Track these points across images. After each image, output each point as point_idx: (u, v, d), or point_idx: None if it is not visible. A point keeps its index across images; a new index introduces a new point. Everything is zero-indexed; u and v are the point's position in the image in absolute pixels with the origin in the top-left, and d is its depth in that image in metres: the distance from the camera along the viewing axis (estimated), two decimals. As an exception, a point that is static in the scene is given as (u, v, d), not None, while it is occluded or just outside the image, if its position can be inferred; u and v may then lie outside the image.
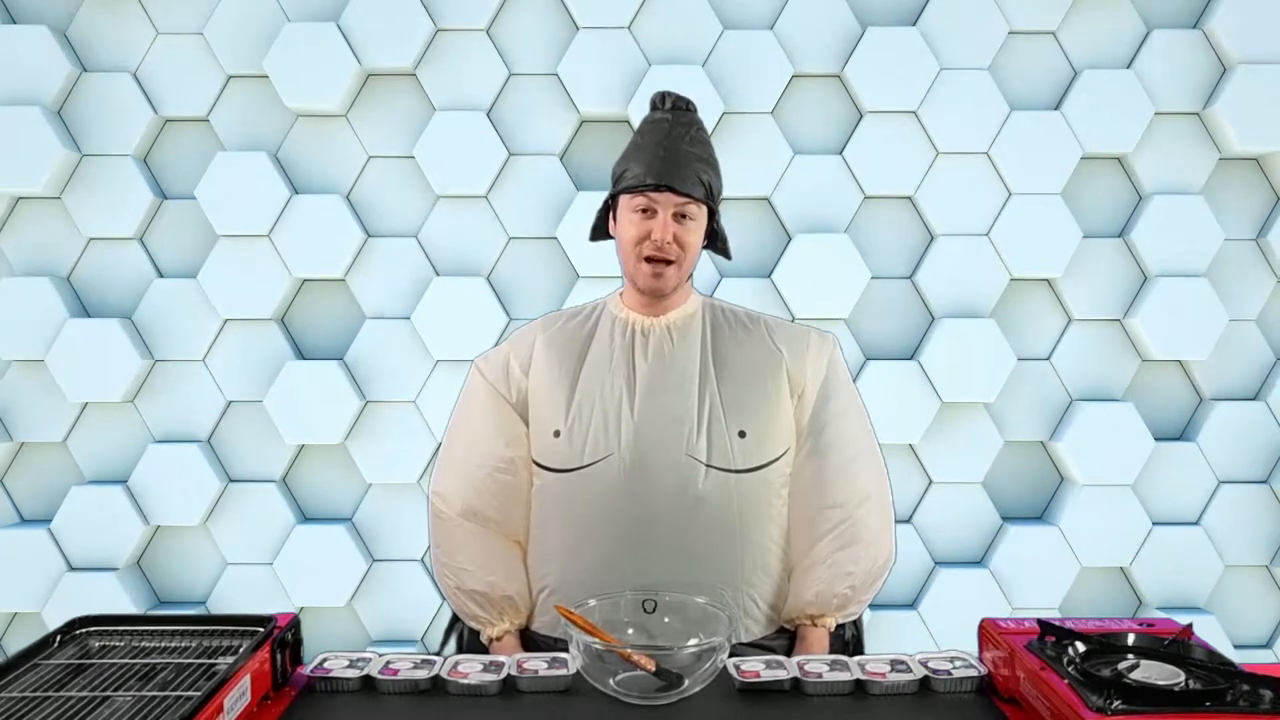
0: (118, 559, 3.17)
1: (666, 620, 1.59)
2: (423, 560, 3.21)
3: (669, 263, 1.79)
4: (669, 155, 1.77)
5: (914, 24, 3.15)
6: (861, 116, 3.18)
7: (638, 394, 1.78)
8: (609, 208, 1.88)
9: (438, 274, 3.19)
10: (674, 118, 1.83)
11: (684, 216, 1.78)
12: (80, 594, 3.14)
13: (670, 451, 1.75)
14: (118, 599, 3.11)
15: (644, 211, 1.78)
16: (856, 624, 1.93)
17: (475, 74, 3.17)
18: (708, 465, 1.75)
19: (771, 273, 3.16)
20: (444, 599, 1.95)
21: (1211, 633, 3.06)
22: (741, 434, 1.77)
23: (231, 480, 3.23)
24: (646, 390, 1.79)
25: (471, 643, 1.90)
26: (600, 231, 1.92)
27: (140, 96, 3.18)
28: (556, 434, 1.79)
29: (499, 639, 1.83)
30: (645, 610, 1.61)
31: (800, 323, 2.08)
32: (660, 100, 1.86)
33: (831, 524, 1.81)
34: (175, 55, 3.19)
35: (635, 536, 1.73)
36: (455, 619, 1.95)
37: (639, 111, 3.10)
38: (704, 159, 1.81)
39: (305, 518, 3.25)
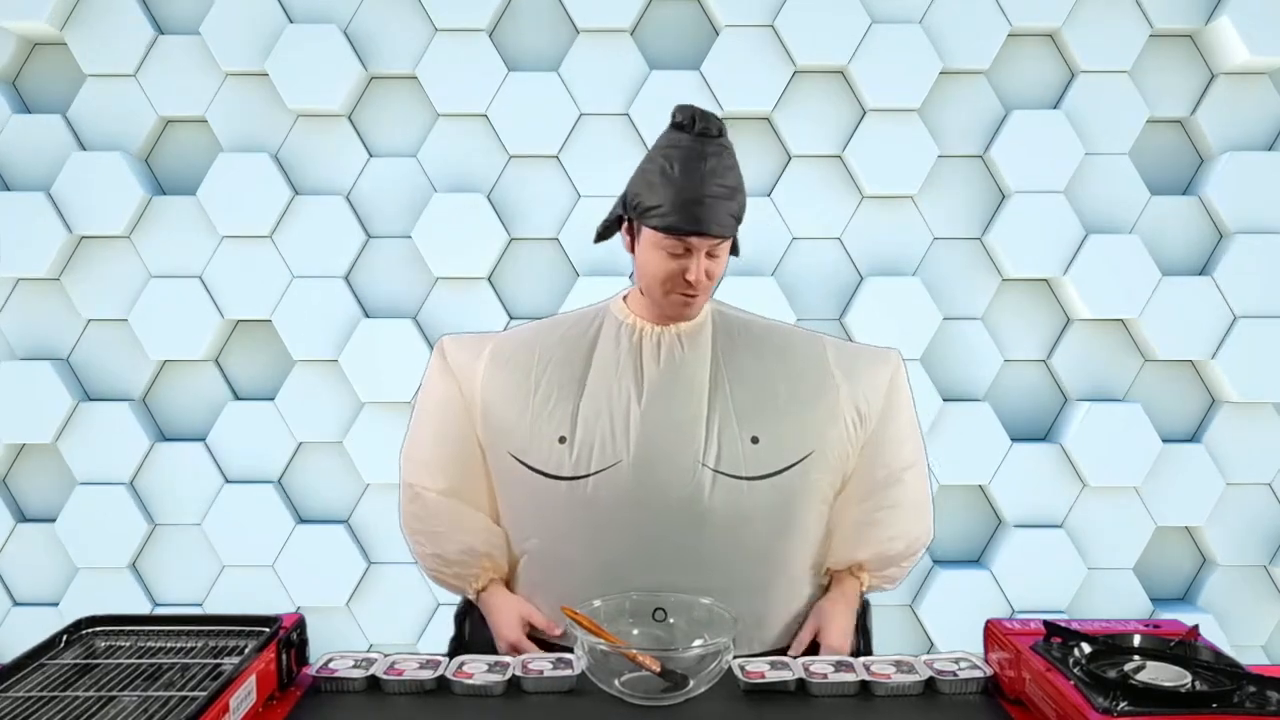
0: (119, 560, 3.17)
1: (672, 621, 1.59)
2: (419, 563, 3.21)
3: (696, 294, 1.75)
4: (703, 197, 1.66)
5: (920, 21, 3.15)
6: (864, 114, 3.18)
7: (645, 400, 1.74)
8: (621, 218, 1.79)
9: (437, 273, 3.19)
10: (704, 149, 1.68)
11: (714, 251, 1.72)
12: (80, 594, 3.15)
13: (679, 458, 1.71)
14: (117, 600, 3.11)
15: (674, 251, 1.70)
16: (866, 633, 1.90)
17: (476, 76, 3.17)
18: (716, 472, 1.71)
19: (774, 272, 3.16)
20: (423, 570, 1.94)
21: (1215, 634, 3.07)
22: (754, 440, 1.73)
23: (228, 481, 3.23)
24: (655, 396, 1.75)
25: (474, 642, 1.88)
26: (607, 232, 1.86)
27: (140, 96, 3.18)
28: (562, 440, 1.74)
29: (484, 589, 1.83)
30: (654, 619, 1.60)
31: (860, 343, 2.03)
32: (689, 122, 1.70)
33: (878, 485, 1.83)
34: (174, 55, 3.19)
35: (643, 545, 1.70)
36: (458, 638, 1.93)
37: (639, 111, 3.12)
38: (734, 187, 1.70)
39: (301, 519, 3.25)
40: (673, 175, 1.67)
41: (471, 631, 1.91)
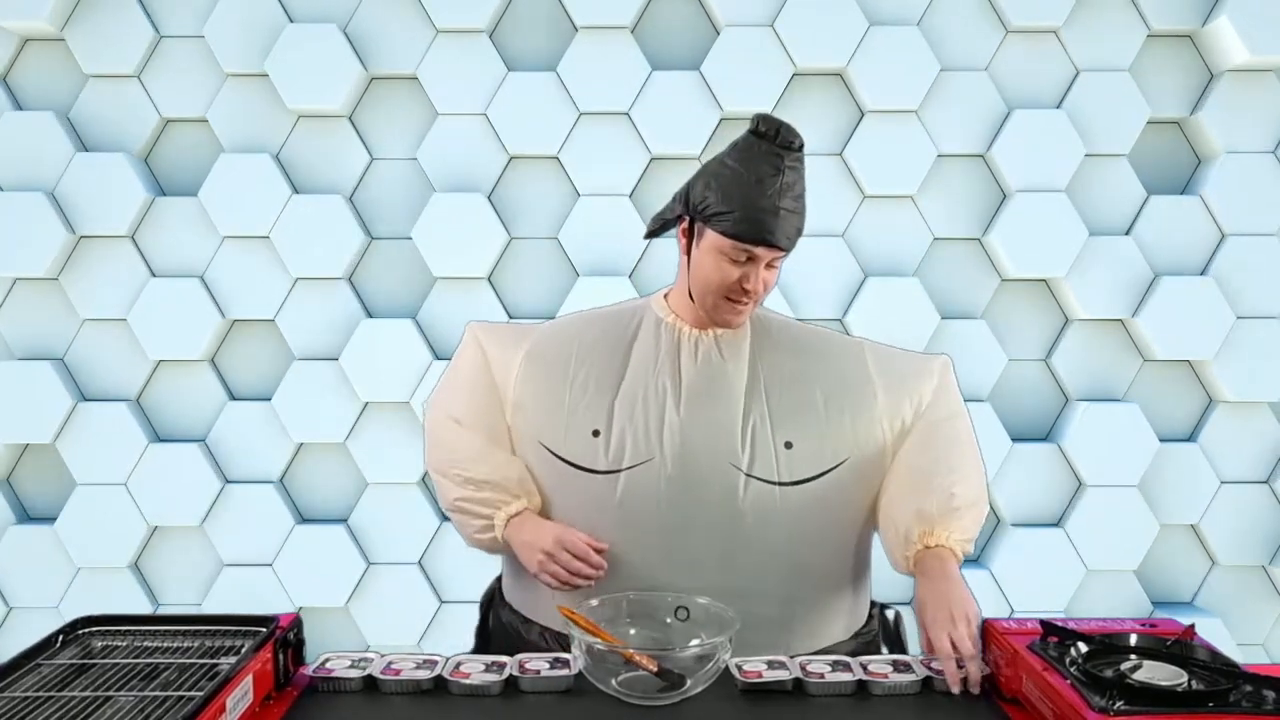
0: (119, 560, 3.17)
1: (669, 620, 1.59)
2: (419, 563, 3.21)
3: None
4: (786, 212, 1.65)
5: (917, 24, 3.16)
6: (863, 116, 3.18)
7: (684, 399, 1.73)
8: (681, 217, 1.76)
9: (437, 274, 3.19)
10: (783, 161, 1.65)
11: (773, 263, 1.71)
12: (79, 595, 3.15)
13: (713, 460, 1.70)
14: (118, 600, 3.12)
15: (736, 259, 1.69)
16: (900, 642, 1.88)
17: (476, 76, 3.17)
18: (749, 475, 1.69)
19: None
20: (453, 512, 1.83)
21: (1216, 634, 3.06)
22: (788, 445, 1.71)
23: (228, 481, 3.23)
24: (692, 396, 1.73)
25: (504, 649, 1.83)
26: (662, 228, 1.83)
27: (143, 97, 3.18)
28: (595, 433, 1.73)
29: (517, 515, 1.76)
30: (678, 618, 1.59)
31: (908, 350, 1.96)
32: (773, 133, 1.66)
33: (932, 441, 1.77)
34: (176, 57, 3.20)
35: (672, 544, 1.68)
36: (482, 626, 1.92)
37: (640, 112, 3.12)
38: (804, 202, 1.69)
39: (302, 519, 3.25)
40: (748, 182, 1.65)
41: (494, 622, 1.90)
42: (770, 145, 1.66)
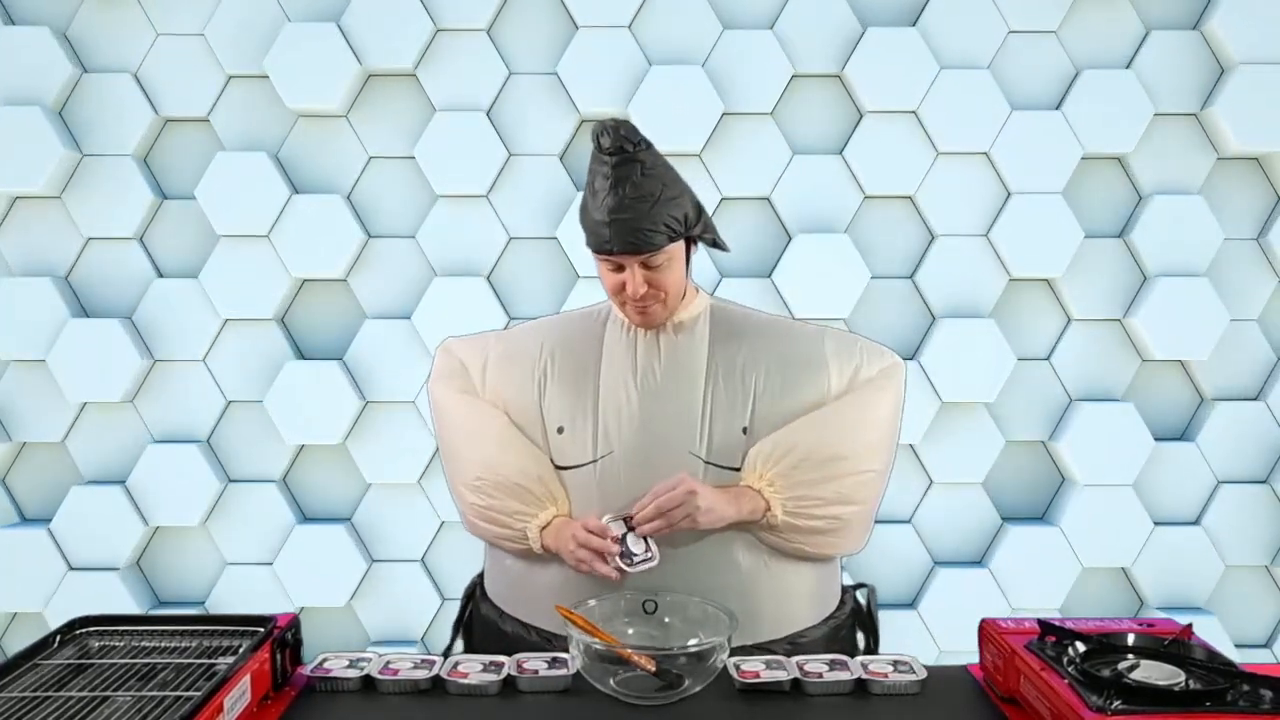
0: (117, 559, 3.17)
1: (667, 620, 1.60)
2: (422, 560, 3.21)
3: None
4: (618, 219, 1.66)
5: (914, 24, 3.15)
6: (861, 116, 3.18)
7: (640, 391, 1.76)
8: None
9: (437, 274, 3.19)
10: (614, 167, 1.66)
11: (649, 263, 1.71)
12: (80, 594, 3.15)
13: (671, 449, 1.73)
14: (118, 599, 3.12)
15: (609, 267, 1.74)
16: (872, 628, 1.89)
17: (475, 74, 3.17)
18: (707, 462, 1.72)
19: (772, 273, 3.16)
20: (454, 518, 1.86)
21: (1214, 633, 3.06)
22: (745, 430, 1.74)
23: (231, 480, 3.23)
24: (649, 388, 1.77)
25: (482, 639, 1.88)
26: None
27: (141, 97, 3.18)
28: (560, 430, 1.77)
29: (547, 525, 1.75)
30: (645, 610, 1.61)
31: (861, 338, 1.92)
32: (596, 139, 1.68)
33: (833, 407, 1.78)
34: (175, 56, 3.19)
35: None
36: (461, 616, 1.94)
37: (640, 110, 3.11)
38: (658, 198, 1.67)
39: (305, 518, 3.25)
40: (589, 194, 1.72)
41: (474, 613, 1.92)
42: (600, 154, 1.69)
